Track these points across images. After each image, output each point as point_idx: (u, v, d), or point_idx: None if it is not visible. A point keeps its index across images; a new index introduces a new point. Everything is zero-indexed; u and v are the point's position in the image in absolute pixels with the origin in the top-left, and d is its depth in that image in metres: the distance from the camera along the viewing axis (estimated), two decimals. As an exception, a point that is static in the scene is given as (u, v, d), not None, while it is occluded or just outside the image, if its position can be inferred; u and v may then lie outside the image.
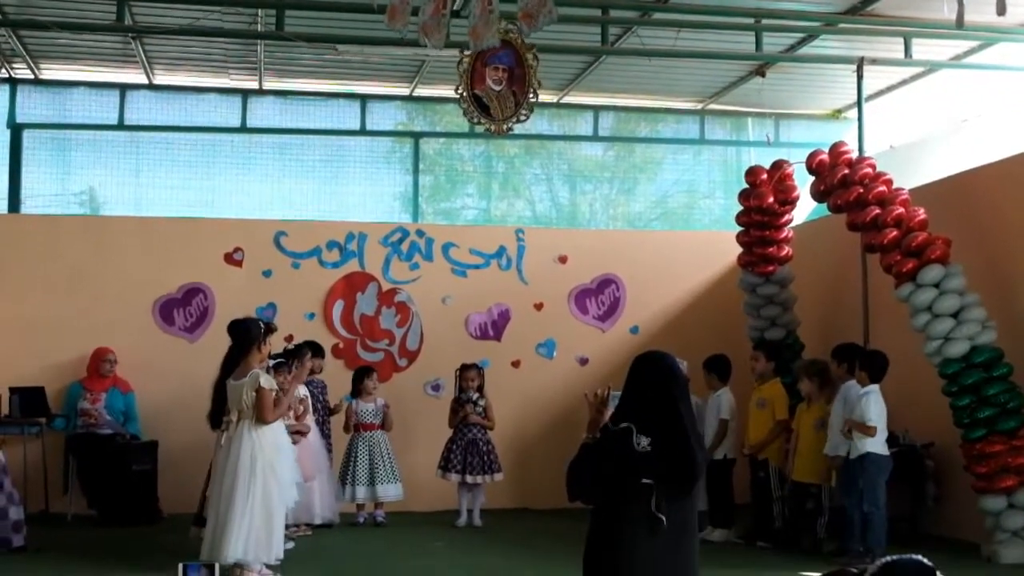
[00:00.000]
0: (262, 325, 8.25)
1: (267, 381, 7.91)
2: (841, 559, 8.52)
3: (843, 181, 9.76)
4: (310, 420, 10.18)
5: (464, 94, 8.68)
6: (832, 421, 9.08)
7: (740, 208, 11.15)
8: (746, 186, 11.05)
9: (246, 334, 8.10)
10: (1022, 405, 8.86)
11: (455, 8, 8.22)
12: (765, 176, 10.84)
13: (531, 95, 8.71)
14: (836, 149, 10.06)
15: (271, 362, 8.82)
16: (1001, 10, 7.76)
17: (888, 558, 3.73)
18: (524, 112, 8.62)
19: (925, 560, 3.75)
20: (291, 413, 9.29)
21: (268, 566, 7.86)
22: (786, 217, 10.98)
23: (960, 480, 9.31)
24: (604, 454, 4.52)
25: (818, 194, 10.24)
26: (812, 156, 10.21)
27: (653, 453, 4.42)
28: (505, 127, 8.72)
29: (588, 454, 4.58)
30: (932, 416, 9.52)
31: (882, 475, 8.75)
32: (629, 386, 4.64)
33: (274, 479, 7.87)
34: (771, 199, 10.77)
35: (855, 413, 8.77)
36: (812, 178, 10.27)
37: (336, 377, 11.17)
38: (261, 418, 7.80)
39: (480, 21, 7.54)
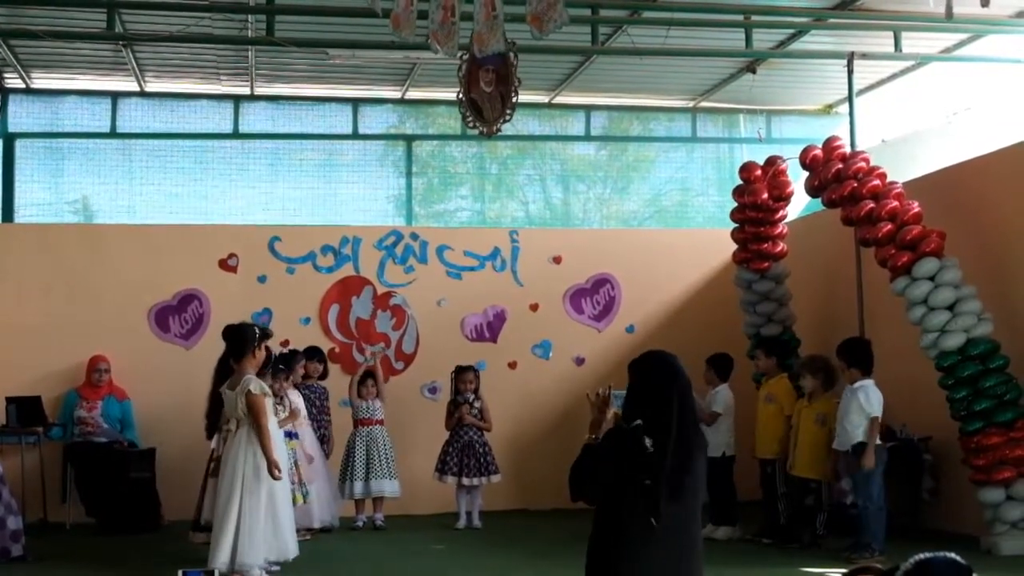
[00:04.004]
0: (257, 330, 8.23)
1: (256, 386, 7.85)
2: (841, 554, 8.54)
3: (837, 176, 9.78)
4: (306, 426, 10.20)
5: (463, 99, 8.66)
6: (840, 416, 8.98)
7: (734, 205, 11.16)
8: (740, 182, 11.07)
9: (241, 339, 8.08)
10: (1019, 397, 8.88)
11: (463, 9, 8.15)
12: (759, 172, 10.86)
13: (513, 94, 8.65)
14: (829, 144, 10.09)
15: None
16: (984, 1, 7.76)
17: (922, 556, 3.66)
18: (508, 112, 8.58)
19: (960, 559, 3.70)
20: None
21: (275, 562, 7.87)
22: (780, 213, 10.99)
23: (958, 473, 9.31)
24: (614, 453, 4.50)
25: (812, 189, 10.26)
26: (806, 151, 10.23)
27: (655, 454, 4.41)
28: (495, 128, 8.68)
29: (591, 454, 4.57)
30: (929, 409, 9.52)
31: (876, 468, 8.72)
32: (633, 387, 4.63)
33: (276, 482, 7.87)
34: (765, 195, 10.79)
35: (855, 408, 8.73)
36: (806, 173, 10.29)
37: (331, 382, 11.16)
38: (257, 423, 7.74)
39: (484, 27, 7.49)
